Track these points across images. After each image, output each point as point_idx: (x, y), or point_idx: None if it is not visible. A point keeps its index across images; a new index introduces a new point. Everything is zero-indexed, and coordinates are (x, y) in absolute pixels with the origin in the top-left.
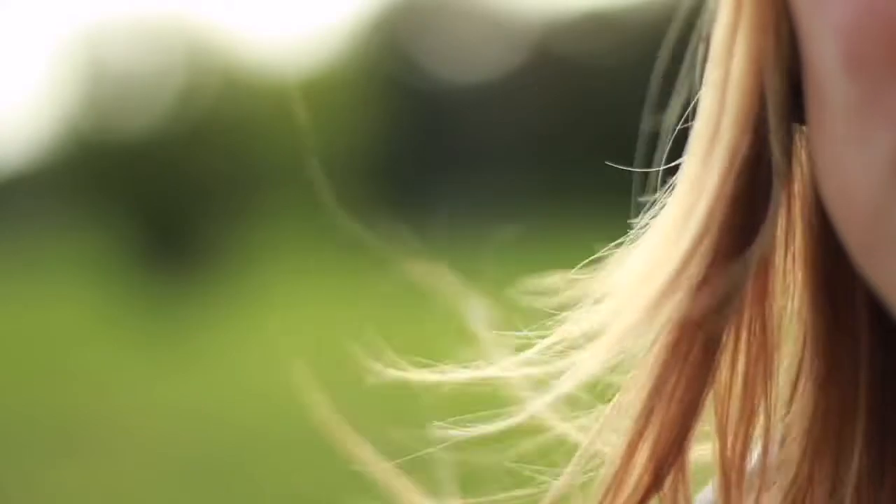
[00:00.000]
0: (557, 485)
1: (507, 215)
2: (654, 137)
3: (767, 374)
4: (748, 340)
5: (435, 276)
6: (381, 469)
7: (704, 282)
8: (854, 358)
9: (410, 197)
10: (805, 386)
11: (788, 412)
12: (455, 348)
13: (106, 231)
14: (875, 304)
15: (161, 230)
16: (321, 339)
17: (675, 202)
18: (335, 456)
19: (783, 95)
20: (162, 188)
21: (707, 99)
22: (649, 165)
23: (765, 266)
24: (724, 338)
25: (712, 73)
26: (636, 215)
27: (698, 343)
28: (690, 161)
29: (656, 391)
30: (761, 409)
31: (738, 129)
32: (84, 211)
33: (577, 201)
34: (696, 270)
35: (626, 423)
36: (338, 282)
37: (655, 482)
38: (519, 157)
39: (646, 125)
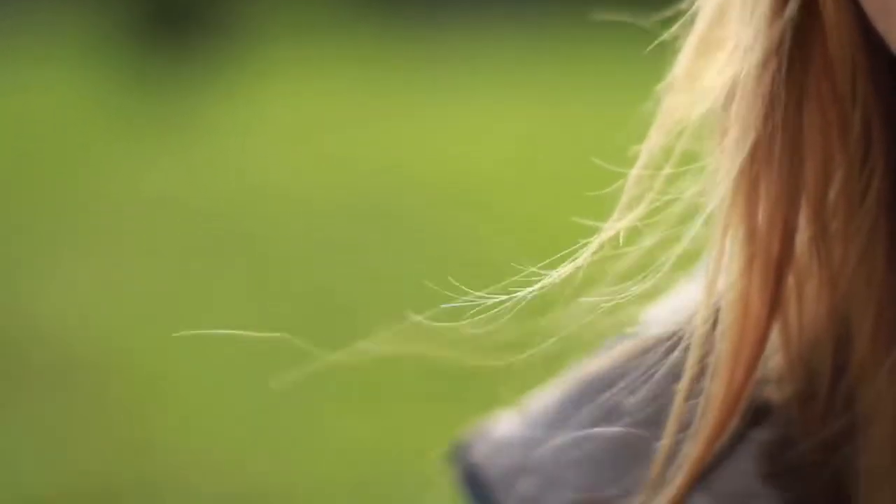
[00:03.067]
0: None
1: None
2: None
3: (843, 130)
4: (818, 97)
5: (439, 67)
6: None
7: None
8: None
9: None
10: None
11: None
12: (455, 138)
13: (100, 11)
14: None
15: (158, 8)
16: (323, 126)
17: None
18: (342, 245)
19: None
20: None
21: None
22: None
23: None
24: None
25: None
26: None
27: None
28: None
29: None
30: (839, 174)
31: None
32: None
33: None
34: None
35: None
36: (342, 68)
37: (775, 295)
38: None
39: None
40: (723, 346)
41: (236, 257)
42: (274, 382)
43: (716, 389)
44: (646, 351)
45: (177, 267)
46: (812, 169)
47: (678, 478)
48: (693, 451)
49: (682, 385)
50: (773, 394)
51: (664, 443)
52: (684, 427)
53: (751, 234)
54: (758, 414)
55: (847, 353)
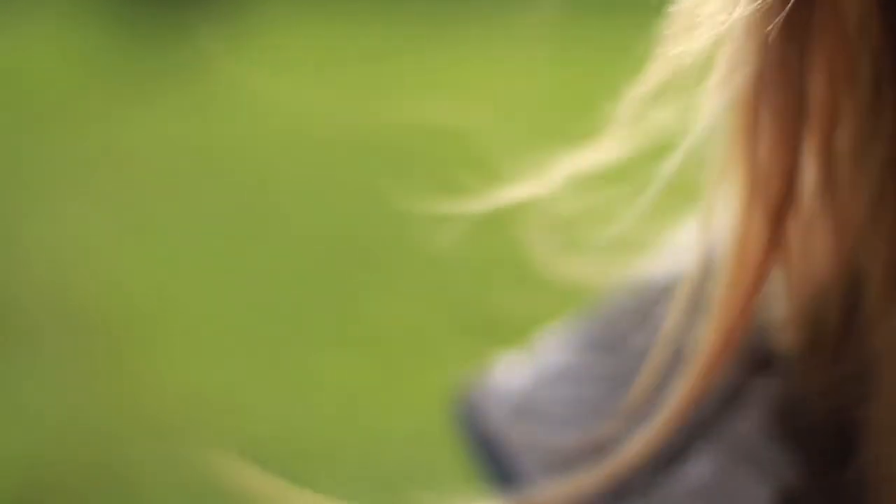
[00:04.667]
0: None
1: None
2: None
3: (851, 82)
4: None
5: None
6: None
7: None
8: None
9: None
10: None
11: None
12: (474, 78)
13: None
14: None
15: None
16: (336, 66)
17: None
18: (350, 191)
19: None
20: None
21: None
22: None
23: None
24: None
25: None
26: None
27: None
28: None
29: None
30: (847, 114)
31: None
32: None
33: None
34: None
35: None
36: (356, 6)
37: (774, 238)
38: None
39: None
40: (717, 289)
41: (246, 199)
42: (278, 325)
43: (707, 334)
44: (653, 294)
45: (185, 209)
46: (816, 116)
47: (662, 417)
48: (677, 396)
49: (667, 327)
50: (780, 341)
51: (643, 379)
52: (671, 368)
53: (751, 176)
54: (764, 362)
55: (857, 303)
